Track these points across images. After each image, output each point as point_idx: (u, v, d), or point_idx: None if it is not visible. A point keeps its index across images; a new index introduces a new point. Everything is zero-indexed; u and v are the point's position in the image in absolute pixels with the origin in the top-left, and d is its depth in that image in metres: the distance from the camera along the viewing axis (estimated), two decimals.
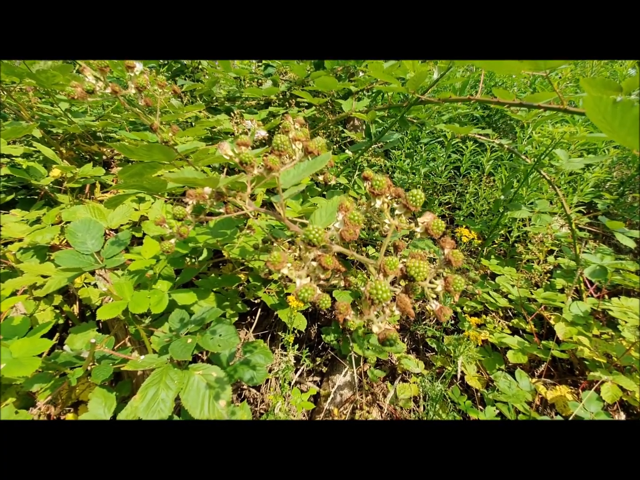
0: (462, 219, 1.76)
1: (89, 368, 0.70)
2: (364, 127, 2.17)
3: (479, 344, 1.01)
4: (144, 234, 0.91)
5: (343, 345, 1.29)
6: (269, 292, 1.22)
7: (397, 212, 0.28)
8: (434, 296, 0.25)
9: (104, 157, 1.21)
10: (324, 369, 1.38)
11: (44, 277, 0.74)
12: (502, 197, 1.34)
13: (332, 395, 1.27)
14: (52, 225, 0.80)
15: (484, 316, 1.21)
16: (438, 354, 1.41)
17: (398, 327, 1.46)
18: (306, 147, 0.32)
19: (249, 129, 0.72)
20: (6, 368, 0.47)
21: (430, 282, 0.24)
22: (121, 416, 0.57)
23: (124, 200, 0.68)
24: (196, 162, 0.65)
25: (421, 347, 1.56)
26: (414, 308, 1.77)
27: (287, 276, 0.27)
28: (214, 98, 1.57)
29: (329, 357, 1.34)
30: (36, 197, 1.32)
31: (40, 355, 0.61)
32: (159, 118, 0.50)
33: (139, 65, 0.47)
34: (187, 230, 0.36)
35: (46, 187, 1.08)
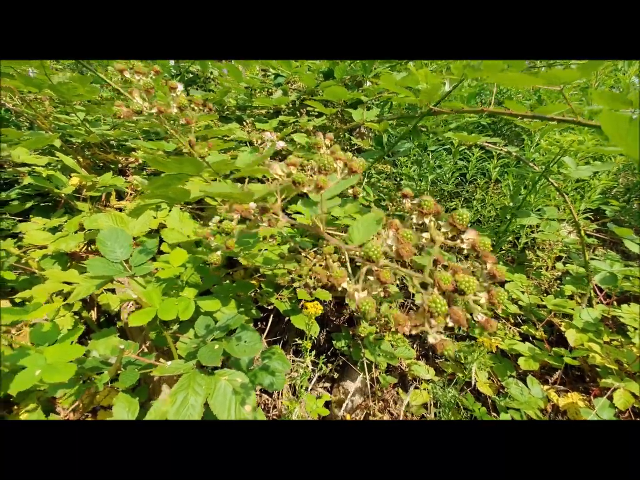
0: (469, 225, 1.77)
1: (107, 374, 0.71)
2: (371, 134, 2.20)
3: (493, 351, 1.01)
4: (161, 241, 0.93)
5: (354, 351, 1.30)
6: (280, 299, 1.23)
7: (442, 229, 0.30)
8: (479, 308, 0.26)
9: (120, 165, 1.23)
10: (335, 375, 1.38)
11: (68, 284, 0.76)
12: (511, 204, 1.35)
13: (344, 401, 1.28)
14: (75, 232, 0.82)
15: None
16: (449, 360, 1.42)
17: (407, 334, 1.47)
18: (350, 167, 0.33)
19: (269, 140, 0.74)
20: (43, 374, 0.49)
21: (475, 295, 0.26)
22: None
23: (147, 209, 0.70)
24: (217, 172, 0.67)
25: (430, 353, 1.56)
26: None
27: (344, 289, 0.28)
28: (225, 107, 1.60)
29: (340, 363, 1.34)
30: (50, 204, 1.34)
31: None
32: (193, 135, 0.52)
33: (180, 86, 0.50)
34: (233, 244, 0.37)
35: (63, 195, 1.10)
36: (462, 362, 1.38)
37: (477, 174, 1.98)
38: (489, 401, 1.27)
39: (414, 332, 0.26)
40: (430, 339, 0.25)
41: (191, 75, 1.54)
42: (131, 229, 0.83)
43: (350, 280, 0.28)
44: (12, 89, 1.04)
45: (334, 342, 1.32)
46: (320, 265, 0.45)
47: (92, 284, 0.64)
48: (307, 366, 0.77)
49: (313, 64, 1.85)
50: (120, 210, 1.08)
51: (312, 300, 0.81)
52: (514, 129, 2.16)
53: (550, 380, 1.30)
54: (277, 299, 1.21)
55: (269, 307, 1.25)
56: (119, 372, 0.62)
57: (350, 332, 1.37)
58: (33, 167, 0.95)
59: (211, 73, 1.58)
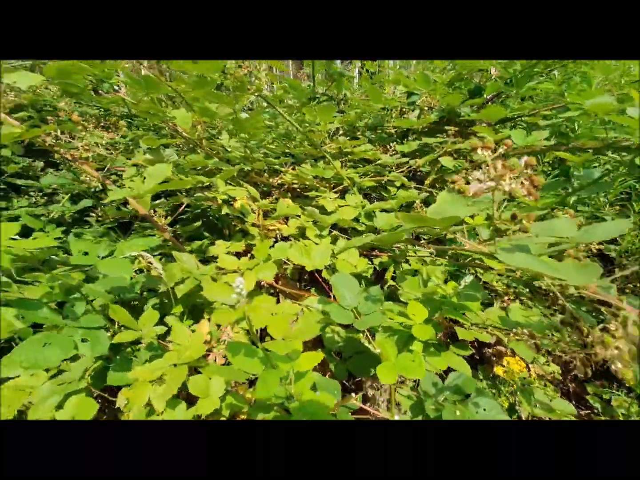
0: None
1: None
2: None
3: None
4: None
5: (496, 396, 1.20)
6: None
7: None
8: None
9: (270, 187, 1.31)
10: None
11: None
12: None
13: None
14: (264, 261, 0.87)
15: None
16: (601, 415, 1.25)
17: (550, 378, 1.32)
18: None
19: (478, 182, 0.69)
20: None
21: None
22: None
23: (350, 247, 0.71)
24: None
25: (572, 401, 1.39)
26: (562, 358, 1.56)
27: None
28: (355, 127, 1.62)
29: None
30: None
31: None
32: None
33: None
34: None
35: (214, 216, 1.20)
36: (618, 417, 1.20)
37: (621, 194, 1.74)
38: None
39: None
40: None
41: (325, 97, 1.58)
42: (313, 259, 0.86)
43: None
44: (200, 123, 1.15)
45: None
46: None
47: (314, 321, 0.67)
48: None
49: (439, 77, 1.77)
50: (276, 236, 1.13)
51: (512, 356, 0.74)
52: None
53: None
54: None
55: None
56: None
57: (489, 374, 1.27)
58: (214, 195, 1.04)
59: (345, 95, 1.60)
